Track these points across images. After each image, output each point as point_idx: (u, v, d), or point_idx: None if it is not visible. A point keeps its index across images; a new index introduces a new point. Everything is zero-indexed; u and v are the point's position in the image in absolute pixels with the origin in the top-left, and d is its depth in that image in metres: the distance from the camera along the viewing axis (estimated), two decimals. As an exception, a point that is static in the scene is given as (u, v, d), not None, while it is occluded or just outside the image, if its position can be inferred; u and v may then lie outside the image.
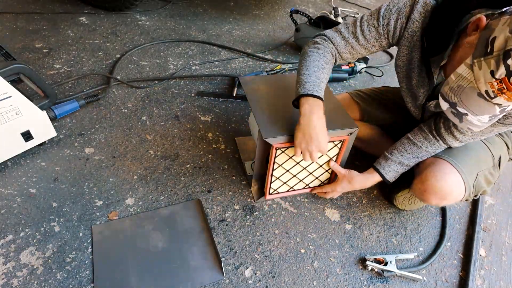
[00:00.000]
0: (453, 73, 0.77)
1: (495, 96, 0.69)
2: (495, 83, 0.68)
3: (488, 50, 0.68)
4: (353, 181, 1.11)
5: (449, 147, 1.04)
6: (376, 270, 1.03)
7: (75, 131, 1.38)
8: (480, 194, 1.07)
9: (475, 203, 1.29)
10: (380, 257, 1.05)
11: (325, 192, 1.19)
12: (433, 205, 1.25)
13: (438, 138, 1.02)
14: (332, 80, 1.88)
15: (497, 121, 0.89)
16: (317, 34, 1.09)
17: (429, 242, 1.15)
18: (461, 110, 0.76)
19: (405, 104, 1.14)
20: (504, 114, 0.76)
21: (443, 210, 1.24)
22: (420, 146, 1.05)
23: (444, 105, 0.80)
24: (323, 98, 0.96)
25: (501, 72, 0.66)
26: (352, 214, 1.20)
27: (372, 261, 1.03)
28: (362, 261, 1.05)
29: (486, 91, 0.70)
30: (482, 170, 1.04)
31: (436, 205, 1.12)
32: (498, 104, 0.70)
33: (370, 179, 1.11)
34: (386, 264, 1.03)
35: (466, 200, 1.07)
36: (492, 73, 0.67)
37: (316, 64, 1.00)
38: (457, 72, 0.75)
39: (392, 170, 1.08)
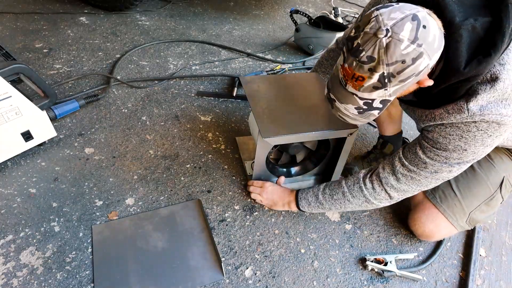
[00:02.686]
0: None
1: (345, 83, 0.72)
2: (341, 69, 0.72)
3: None
4: (275, 188, 1.14)
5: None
6: (376, 270, 1.03)
7: (75, 131, 1.38)
8: (482, 223, 1.08)
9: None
10: (380, 257, 1.05)
11: (252, 187, 1.17)
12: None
13: (364, 182, 0.96)
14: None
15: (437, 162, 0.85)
16: None
17: (429, 242, 1.15)
18: (332, 96, 0.79)
19: None
20: (377, 110, 0.75)
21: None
22: (344, 190, 0.99)
23: (325, 91, 0.83)
24: None
25: (341, 58, 0.72)
26: (352, 214, 1.20)
27: (372, 261, 1.03)
28: (362, 261, 1.05)
29: (340, 78, 0.74)
30: (476, 207, 1.03)
31: (430, 241, 1.15)
32: (353, 94, 0.72)
33: (288, 195, 1.11)
34: (386, 264, 1.03)
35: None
36: (341, 60, 0.73)
37: None
38: (337, 62, 0.78)
39: (305, 198, 1.06)
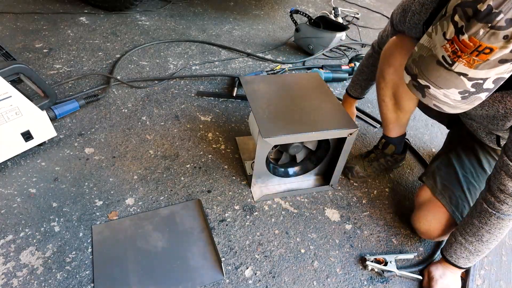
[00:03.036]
0: (416, 44, 0.71)
1: (453, 62, 0.61)
2: (448, 45, 0.61)
3: (443, 13, 0.63)
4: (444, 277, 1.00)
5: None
6: (376, 270, 1.03)
7: (75, 131, 1.38)
8: None
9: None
10: (380, 257, 1.05)
11: None
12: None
13: (490, 204, 0.85)
14: (332, 80, 1.88)
15: None
16: None
17: (429, 242, 1.15)
18: (422, 82, 0.68)
19: None
20: (485, 92, 0.65)
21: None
22: (478, 226, 0.88)
23: (407, 78, 0.73)
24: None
25: (451, 31, 0.61)
26: (352, 214, 1.20)
27: (372, 261, 1.03)
28: (362, 261, 1.05)
29: (443, 57, 0.63)
30: None
31: (431, 239, 1.13)
32: (463, 74, 0.62)
33: (450, 275, 0.99)
34: (386, 264, 1.03)
35: None
36: (444, 35, 0.62)
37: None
38: (419, 42, 0.69)
39: (459, 255, 0.94)
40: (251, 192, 1.22)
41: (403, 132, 1.29)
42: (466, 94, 0.65)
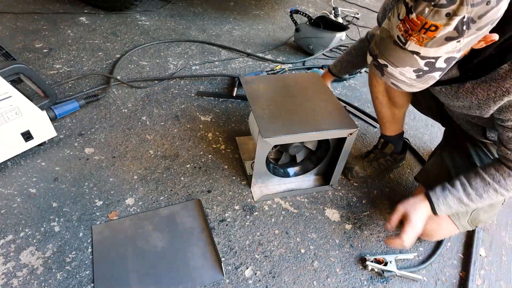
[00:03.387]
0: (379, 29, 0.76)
1: (406, 41, 0.65)
2: (401, 25, 0.65)
3: None
4: (409, 218, 0.96)
5: None
6: (376, 270, 1.03)
7: (75, 131, 1.38)
8: (484, 223, 1.06)
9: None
10: (380, 257, 1.05)
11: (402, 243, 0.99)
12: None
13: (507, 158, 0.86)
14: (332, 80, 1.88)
15: None
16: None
17: (429, 242, 1.15)
18: (381, 61, 0.72)
19: None
20: (439, 72, 0.68)
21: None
22: (495, 187, 0.87)
23: (369, 59, 0.77)
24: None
25: (403, 11, 0.65)
26: (352, 214, 1.20)
27: (372, 261, 1.03)
28: (362, 261, 1.05)
29: (398, 37, 0.67)
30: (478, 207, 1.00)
31: (431, 240, 1.14)
32: (416, 53, 0.66)
33: (419, 206, 0.96)
34: (386, 264, 1.03)
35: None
36: (398, 16, 0.66)
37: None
38: (381, 26, 0.73)
39: (444, 204, 0.93)
40: (251, 192, 1.22)
41: (401, 131, 1.29)
42: (421, 73, 0.68)
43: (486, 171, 0.89)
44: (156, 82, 1.71)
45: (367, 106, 1.75)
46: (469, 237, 1.18)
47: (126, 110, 1.51)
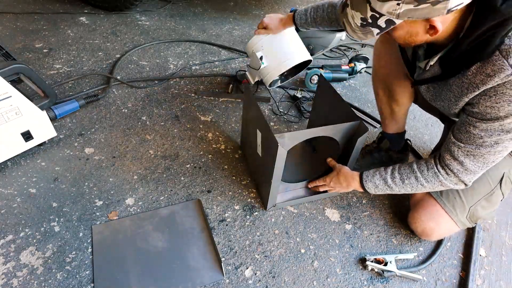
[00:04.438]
0: None
1: None
2: None
3: None
4: (341, 173, 1.10)
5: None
6: (376, 270, 1.03)
7: (75, 131, 1.38)
8: (483, 219, 1.07)
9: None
10: (380, 257, 1.05)
11: (319, 186, 1.17)
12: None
13: (437, 168, 0.92)
14: (332, 80, 1.88)
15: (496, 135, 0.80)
16: None
17: (429, 242, 1.14)
18: (348, 2, 0.76)
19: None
20: (377, 29, 0.73)
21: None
22: (417, 175, 0.95)
23: (339, 9, 0.82)
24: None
25: None
26: (352, 214, 1.20)
27: (372, 261, 1.03)
28: (362, 261, 1.05)
29: None
30: (476, 202, 1.03)
31: (431, 240, 1.15)
32: (367, 1, 0.70)
33: (351, 178, 1.07)
34: (386, 264, 1.03)
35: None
36: None
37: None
38: None
39: (371, 181, 1.02)
40: (251, 192, 1.22)
41: (401, 130, 1.29)
42: (365, 23, 0.72)
43: (417, 162, 0.97)
44: (156, 82, 1.71)
45: (367, 106, 1.75)
46: (469, 237, 1.18)
47: (126, 110, 1.51)
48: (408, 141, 1.38)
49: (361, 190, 1.06)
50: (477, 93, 0.76)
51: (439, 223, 1.05)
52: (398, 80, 1.14)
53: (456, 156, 0.87)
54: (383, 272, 1.02)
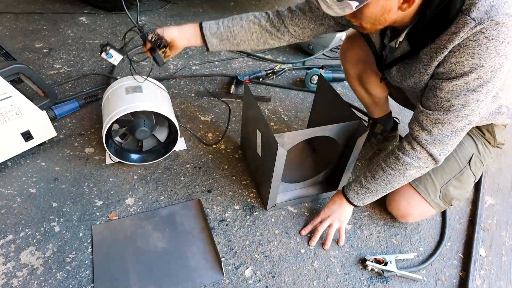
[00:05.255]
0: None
1: None
2: None
3: None
4: (327, 204, 1.12)
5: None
6: (376, 270, 1.03)
7: (75, 131, 1.38)
8: (457, 200, 1.09)
9: (475, 203, 1.29)
10: (380, 257, 1.05)
11: (317, 224, 1.11)
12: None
13: (400, 148, 0.92)
14: (332, 80, 1.88)
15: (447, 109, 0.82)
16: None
17: (429, 242, 1.14)
18: None
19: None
20: (356, 3, 0.71)
21: (442, 211, 1.25)
22: (382, 166, 0.95)
23: None
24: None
25: None
26: (352, 214, 1.20)
27: (372, 261, 1.03)
28: (362, 261, 1.05)
29: None
30: (447, 182, 1.06)
31: (408, 221, 1.17)
32: None
33: (337, 197, 1.09)
34: (386, 264, 1.03)
35: (444, 210, 1.17)
36: None
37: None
38: None
39: (351, 189, 1.04)
40: (251, 192, 1.22)
41: (386, 112, 1.33)
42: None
43: (382, 157, 0.98)
44: (156, 82, 1.71)
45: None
46: (469, 237, 1.18)
47: (126, 110, 1.51)
48: (396, 119, 1.42)
49: (351, 205, 1.07)
50: (445, 53, 0.76)
51: (413, 205, 1.08)
52: (370, 77, 1.19)
53: (424, 125, 0.86)
54: (383, 272, 1.02)
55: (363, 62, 1.17)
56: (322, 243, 1.09)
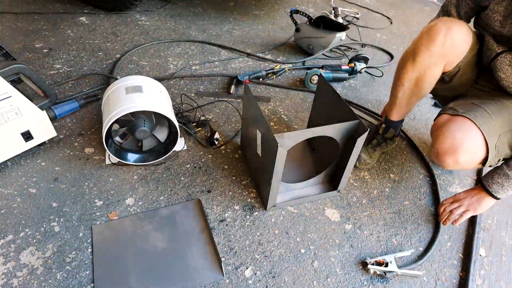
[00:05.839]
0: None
1: None
2: None
3: None
4: (466, 196, 1.15)
5: None
6: (378, 272, 1.02)
7: (75, 131, 1.38)
8: (499, 160, 1.06)
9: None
10: (380, 258, 1.05)
11: (453, 209, 1.15)
12: (453, 168, 1.06)
13: None
14: (332, 80, 1.88)
15: None
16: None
17: (424, 238, 1.14)
18: None
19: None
20: None
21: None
22: None
23: None
24: None
25: None
26: (352, 214, 1.20)
27: (373, 264, 1.03)
28: (364, 265, 1.05)
29: None
30: (505, 131, 1.03)
31: (455, 164, 1.02)
32: None
33: (476, 192, 1.13)
34: (387, 265, 1.03)
35: (490, 166, 1.07)
36: None
37: None
38: None
39: (495, 183, 1.05)
40: (251, 192, 1.22)
41: (404, 116, 1.32)
42: None
43: None
44: (156, 82, 1.71)
45: (367, 106, 1.75)
46: (469, 237, 1.18)
47: (126, 110, 1.51)
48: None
49: (492, 199, 1.09)
50: None
51: (468, 135, 0.99)
52: (433, 71, 1.11)
53: None
54: (385, 274, 1.02)
55: (446, 53, 1.05)
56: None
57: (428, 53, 1.07)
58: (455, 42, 1.04)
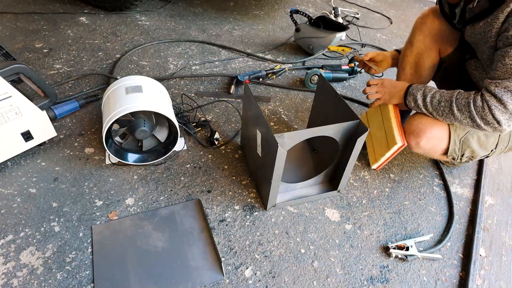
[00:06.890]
0: None
1: None
2: None
3: None
4: (386, 80, 1.21)
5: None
6: (400, 256, 1.07)
7: (75, 131, 1.38)
8: (470, 156, 1.11)
9: (475, 203, 1.29)
10: (401, 243, 1.09)
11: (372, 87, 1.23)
12: (416, 150, 1.18)
13: (474, 99, 0.96)
14: (332, 80, 1.88)
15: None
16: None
17: (428, 243, 1.14)
18: None
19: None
20: None
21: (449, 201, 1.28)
22: (452, 100, 1.00)
23: None
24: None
25: None
26: (352, 214, 1.20)
27: (394, 248, 1.07)
28: (386, 249, 1.09)
29: None
30: (475, 130, 1.07)
31: (416, 146, 1.14)
32: None
33: (399, 85, 1.17)
34: (407, 249, 1.07)
35: (453, 158, 1.15)
36: None
37: None
38: None
39: (413, 94, 1.09)
40: (251, 192, 1.22)
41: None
42: None
43: (460, 91, 1.01)
44: (156, 82, 1.71)
45: (367, 107, 1.75)
46: (469, 237, 1.18)
47: (126, 110, 1.51)
48: None
49: (401, 101, 1.14)
50: None
51: (434, 124, 1.08)
52: (428, 55, 1.23)
53: (494, 92, 0.91)
54: (406, 257, 1.06)
55: (436, 38, 1.20)
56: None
57: (422, 36, 1.22)
58: (444, 26, 1.17)
